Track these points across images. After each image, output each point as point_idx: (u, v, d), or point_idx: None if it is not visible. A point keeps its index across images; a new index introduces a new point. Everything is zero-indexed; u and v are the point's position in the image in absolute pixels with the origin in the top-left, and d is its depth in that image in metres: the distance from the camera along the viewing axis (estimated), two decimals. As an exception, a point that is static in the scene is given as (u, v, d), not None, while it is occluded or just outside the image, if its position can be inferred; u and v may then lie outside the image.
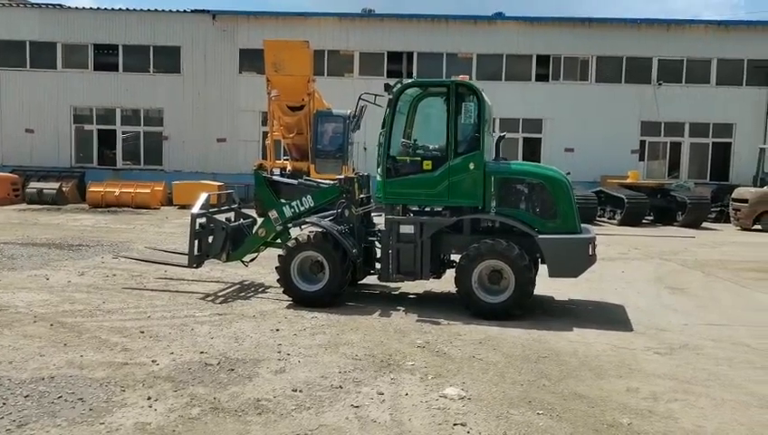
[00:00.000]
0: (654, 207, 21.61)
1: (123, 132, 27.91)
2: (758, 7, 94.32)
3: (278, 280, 8.44)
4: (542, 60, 26.57)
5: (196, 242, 9.06)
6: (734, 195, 21.19)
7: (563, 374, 5.92)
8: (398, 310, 8.26)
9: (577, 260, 7.83)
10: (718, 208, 22.81)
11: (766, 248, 15.99)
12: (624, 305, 8.85)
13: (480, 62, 26.30)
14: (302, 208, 8.93)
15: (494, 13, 27.17)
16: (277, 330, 7.20)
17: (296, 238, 8.33)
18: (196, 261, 9.03)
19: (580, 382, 5.72)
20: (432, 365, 6.09)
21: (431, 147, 8.70)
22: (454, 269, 8.37)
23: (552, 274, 7.90)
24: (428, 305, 8.55)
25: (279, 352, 6.39)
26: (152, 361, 5.99)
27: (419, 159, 8.30)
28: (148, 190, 23.30)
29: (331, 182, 9.23)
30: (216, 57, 26.94)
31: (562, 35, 26.22)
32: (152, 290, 9.12)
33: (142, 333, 6.91)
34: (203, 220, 9.08)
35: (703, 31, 26.44)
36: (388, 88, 8.43)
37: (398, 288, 9.54)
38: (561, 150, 26.02)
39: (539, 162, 26.78)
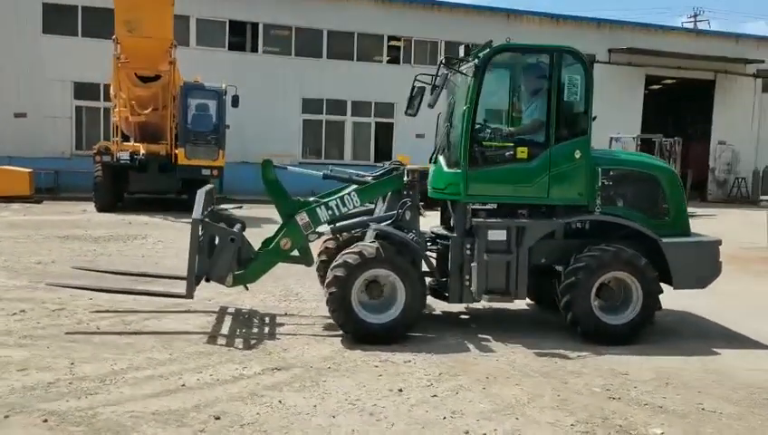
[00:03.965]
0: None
1: None
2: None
3: (332, 311, 6.07)
4: (394, 41, 25.43)
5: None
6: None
7: (841, 425, 4.64)
8: (480, 337, 6.43)
9: (707, 268, 6.63)
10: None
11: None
12: (687, 311, 7.89)
13: (331, 38, 24.35)
14: (342, 210, 6.57)
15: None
16: (400, 390, 4.98)
17: (360, 252, 6.01)
18: (194, 287, 6.21)
19: None
20: (685, 430, 4.44)
21: (504, 130, 6.92)
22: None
23: (678, 286, 6.60)
24: (501, 327, 6.83)
25: (466, 432, 4.27)
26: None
27: (512, 144, 6.47)
28: (-70, 178, 17.84)
29: (382, 172, 6.95)
30: (10, 11, 21.58)
31: (414, 17, 25.26)
32: (115, 333, 6.16)
33: (217, 419, 4.28)
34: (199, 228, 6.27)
35: (537, 22, 27.21)
36: (468, 51, 6.46)
37: (431, 307, 7.58)
38: (413, 136, 25.08)
39: (391, 148, 25.80)
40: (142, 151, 16.46)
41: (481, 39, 25.50)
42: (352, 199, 6.55)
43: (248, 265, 6.50)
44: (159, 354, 5.58)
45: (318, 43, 24.21)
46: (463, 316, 7.39)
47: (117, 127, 16.86)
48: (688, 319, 7.62)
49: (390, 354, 5.80)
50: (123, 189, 17.36)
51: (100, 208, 16.41)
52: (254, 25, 23.76)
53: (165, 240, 12.15)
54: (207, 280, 6.36)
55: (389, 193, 6.71)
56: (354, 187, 6.74)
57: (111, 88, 16.94)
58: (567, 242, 6.61)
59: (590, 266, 6.22)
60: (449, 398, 4.88)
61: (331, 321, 6.73)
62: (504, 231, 6.39)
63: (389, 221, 6.43)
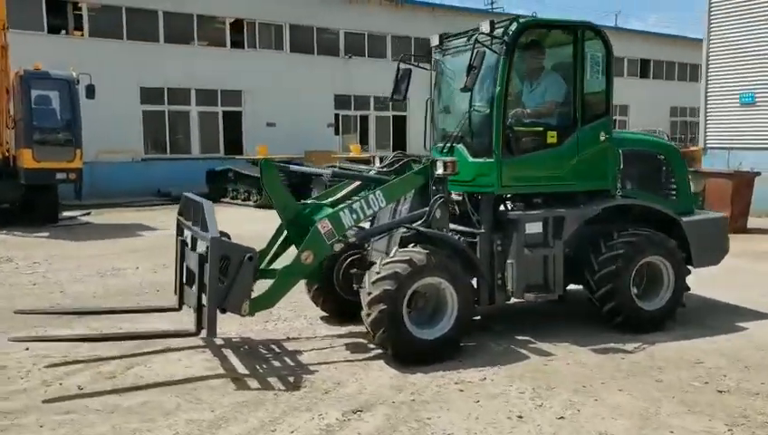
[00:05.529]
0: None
1: None
2: None
3: (382, 332, 5.14)
4: (237, 25, 23.80)
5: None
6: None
7: None
8: (519, 340, 5.94)
9: (720, 244, 6.68)
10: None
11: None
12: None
13: (168, 21, 22.17)
14: (368, 212, 5.64)
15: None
16: (520, 417, 4.32)
17: (410, 260, 5.17)
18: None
19: None
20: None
21: (528, 112, 6.38)
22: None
23: (698, 264, 6.55)
24: (524, 324, 6.39)
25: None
26: None
27: (542, 129, 5.98)
28: None
29: (391, 166, 6.07)
30: None
31: (255, -1, 23.87)
32: (109, 392, 4.76)
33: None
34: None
35: (378, 6, 27.04)
36: (493, 27, 5.79)
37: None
38: (263, 125, 23.86)
39: (241, 138, 24.19)
40: (-26, 156, 13.68)
41: (326, 23, 24.60)
42: (378, 200, 5.64)
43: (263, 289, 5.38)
44: (197, 413, 4.36)
45: (153, 25, 21.93)
46: (474, 317, 6.79)
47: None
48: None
49: (457, 373, 5.10)
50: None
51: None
52: (76, 5, 20.87)
53: (39, 261, 10.13)
54: (223, 311, 5.13)
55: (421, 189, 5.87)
56: (383, 187, 5.76)
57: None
58: (590, 229, 6.27)
59: (629, 253, 5.95)
60: (577, 417, 4.32)
61: (349, 340, 5.95)
62: (541, 223, 5.92)
63: (420, 221, 5.65)
